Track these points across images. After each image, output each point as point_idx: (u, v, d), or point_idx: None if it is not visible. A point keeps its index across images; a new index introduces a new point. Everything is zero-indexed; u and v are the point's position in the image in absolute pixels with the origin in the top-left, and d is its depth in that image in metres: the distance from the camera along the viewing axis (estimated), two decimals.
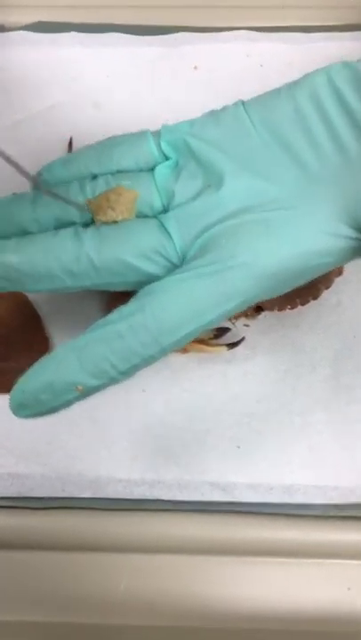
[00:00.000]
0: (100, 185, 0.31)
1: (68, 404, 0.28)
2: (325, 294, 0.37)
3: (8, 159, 0.26)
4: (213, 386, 0.37)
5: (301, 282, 0.29)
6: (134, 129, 0.42)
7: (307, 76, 0.30)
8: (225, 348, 0.36)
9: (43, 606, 0.35)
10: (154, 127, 0.42)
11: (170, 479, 0.36)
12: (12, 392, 0.28)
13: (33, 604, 0.35)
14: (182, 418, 0.37)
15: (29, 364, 0.38)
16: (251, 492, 0.35)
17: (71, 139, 0.40)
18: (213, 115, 0.32)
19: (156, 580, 0.35)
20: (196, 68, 0.43)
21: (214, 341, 0.36)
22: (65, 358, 0.28)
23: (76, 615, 0.35)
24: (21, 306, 0.39)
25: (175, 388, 0.37)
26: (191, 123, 0.32)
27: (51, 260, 0.29)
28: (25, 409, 0.28)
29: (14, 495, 0.36)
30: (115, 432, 0.37)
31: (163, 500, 0.36)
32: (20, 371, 0.38)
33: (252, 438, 0.36)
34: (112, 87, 0.42)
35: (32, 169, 0.41)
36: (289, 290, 0.30)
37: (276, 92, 0.31)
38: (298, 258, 0.28)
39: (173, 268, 0.29)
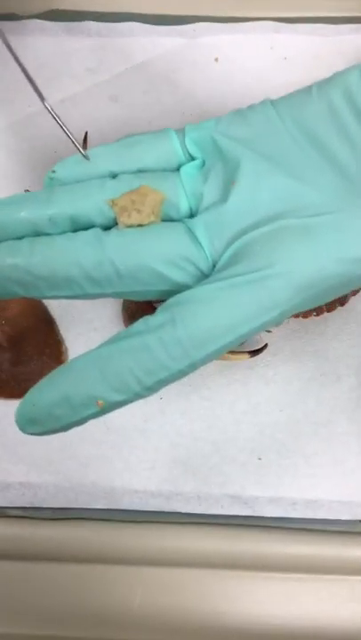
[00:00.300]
0: (123, 184, 0.29)
1: (84, 420, 0.26)
2: (352, 300, 0.36)
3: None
4: (234, 394, 0.36)
5: (345, 291, 0.28)
6: (153, 124, 0.41)
7: (339, 74, 0.29)
8: (247, 356, 0.34)
9: (55, 620, 0.34)
10: (173, 121, 0.41)
11: (188, 491, 0.34)
12: (19, 405, 0.26)
13: (45, 617, 0.34)
14: (201, 427, 0.35)
15: (40, 368, 0.37)
16: (273, 507, 0.34)
17: (87, 133, 0.39)
18: (240, 113, 0.30)
19: (172, 594, 0.34)
20: (216, 60, 0.41)
21: (236, 348, 0.35)
22: (85, 369, 0.25)
23: (89, 630, 0.34)
24: (33, 307, 0.37)
25: (194, 396, 0.36)
26: (217, 120, 0.30)
27: (69, 265, 0.27)
28: (35, 425, 0.26)
29: (26, 505, 0.35)
30: (130, 440, 0.35)
31: (180, 513, 0.34)
32: (31, 375, 0.37)
33: (274, 450, 0.35)
34: (130, 79, 0.41)
35: (45, 163, 0.40)
36: (330, 300, 0.28)
37: (306, 91, 0.29)
38: (341, 266, 0.26)
39: (202, 276, 0.27)
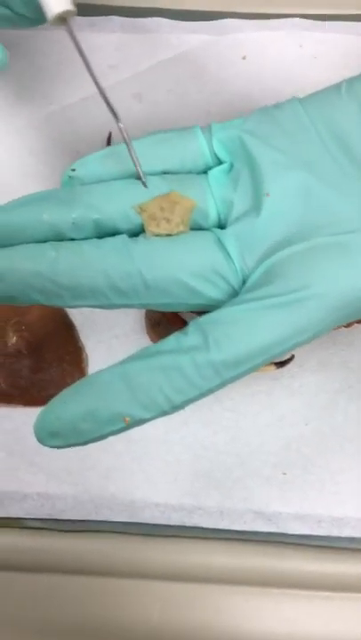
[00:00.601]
0: (150, 188, 0.28)
1: (106, 436, 0.25)
2: None
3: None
4: (258, 405, 0.35)
5: None
6: (178, 123, 0.39)
7: None
8: (273, 367, 0.33)
9: (73, 634, 0.33)
10: (199, 121, 0.39)
11: (210, 506, 0.34)
12: (41, 417, 0.25)
13: (62, 631, 0.33)
14: (224, 439, 0.34)
15: (61, 375, 0.36)
16: (297, 524, 0.33)
17: (110, 134, 0.37)
18: (267, 112, 0.29)
19: (192, 611, 0.33)
20: (244, 58, 0.40)
21: None
22: (112, 384, 0.24)
23: None
24: (53, 313, 0.36)
25: (217, 407, 0.35)
26: (244, 119, 0.29)
27: (96, 274, 0.26)
28: (57, 438, 0.25)
29: (44, 517, 0.34)
30: (151, 452, 0.34)
31: (202, 528, 0.34)
32: (50, 383, 0.37)
33: (299, 465, 0.34)
34: (154, 77, 0.39)
35: (67, 163, 0.39)
36: None
37: (335, 89, 0.28)
38: None
39: (232, 291, 0.26)
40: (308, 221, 0.26)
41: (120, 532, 0.34)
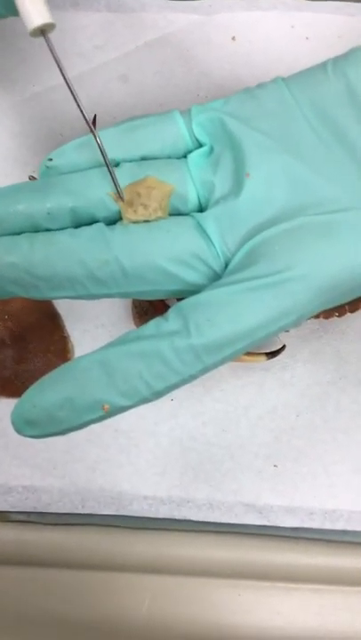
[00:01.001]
0: (125, 174, 0.27)
1: (85, 425, 0.24)
2: None
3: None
4: (249, 397, 0.34)
5: None
6: (165, 106, 0.38)
7: (356, 50, 0.27)
8: (264, 358, 0.33)
9: (59, 628, 0.32)
10: (187, 104, 0.38)
11: (200, 498, 0.33)
12: (17, 406, 0.24)
13: (49, 625, 0.32)
14: (214, 431, 0.34)
15: (45, 366, 0.35)
16: (289, 517, 0.32)
17: (95, 117, 0.36)
18: (250, 93, 0.28)
19: (182, 604, 0.32)
20: (234, 39, 0.38)
21: (252, 349, 0.33)
22: (90, 371, 0.24)
23: (91, 638, 0.32)
24: (37, 302, 0.35)
25: (206, 398, 0.34)
26: (225, 101, 0.28)
27: (72, 264, 0.25)
28: (34, 427, 0.24)
29: (29, 510, 0.33)
30: (140, 444, 0.34)
31: (192, 521, 0.33)
32: (35, 373, 0.36)
33: (290, 457, 0.33)
34: (141, 58, 0.38)
35: (50, 147, 0.38)
36: (350, 300, 0.26)
37: (320, 69, 0.27)
38: None
39: (214, 275, 0.26)
40: (292, 202, 0.26)
41: (107, 526, 0.33)
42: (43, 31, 0.25)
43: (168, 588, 0.33)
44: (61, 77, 0.35)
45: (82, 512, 0.33)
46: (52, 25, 0.25)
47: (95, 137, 0.26)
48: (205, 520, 0.33)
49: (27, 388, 0.34)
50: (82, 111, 0.26)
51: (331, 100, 0.26)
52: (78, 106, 0.26)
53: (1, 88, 0.38)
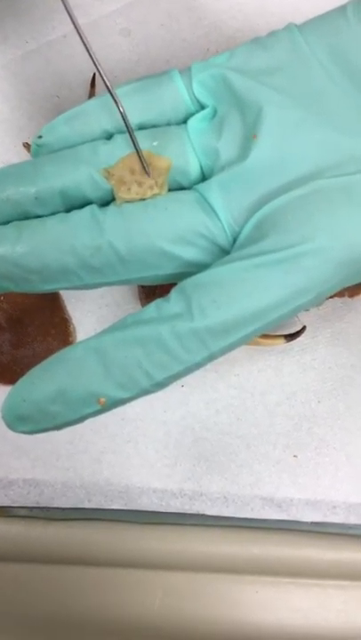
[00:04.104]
0: (119, 147, 0.24)
1: (82, 419, 0.22)
2: None
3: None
4: (266, 382, 0.32)
5: None
6: (171, 63, 0.35)
7: None
8: (282, 340, 0.30)
9: (64, 626, 0.31)
10: (195, 60, 0.35)
11: (214, 492, 0.31)
12: (7, 399, 0.22)
13: (53, 623, 0.31)
14: (228, 420, 0.31)
15: (45, 351, 0.33)
16: (310, 510, 0.30)
17: (94, 75, 0.33)
18: (259, 42, 0.24)
19: (195, 602, 0.31)
20: None
21: (269, 331, 0.30)
22: (84, 361, 0.21)
23: (100, 636, 0.30)
24: None
25: (220, 384, 0.32)
26: (230, 54, 0.25)
27: (63, 253, 0.23)
28: (25, 422, 0.22)
29: (32, 505, 0.31)
30: (149, 434, 0.32)
31: (205, 516, 0.31)
32: (34, 359, 0.33)
33: (311, 446, 0.31)
34: (144, 10, 0.35)
35: (47, 111, 0.34)
36: None
37: (339, 12, 0.24)
38: None
39: (221, 252, 0.23)
40: (307, 165, 0.23)
41: (115, 520, 0.31)
42: None
43: (180, 584, 0.31)
44: (57, 32, 0.32)
45: (87, 507, 0.31)
46: None
47: (111, 94, 0.23)
48: (220, 515, 0.31)
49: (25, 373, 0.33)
50: (95, 62, 0.22)
51: (352, 46, 0.23)
52: (90, 56, 0.22)
53: None
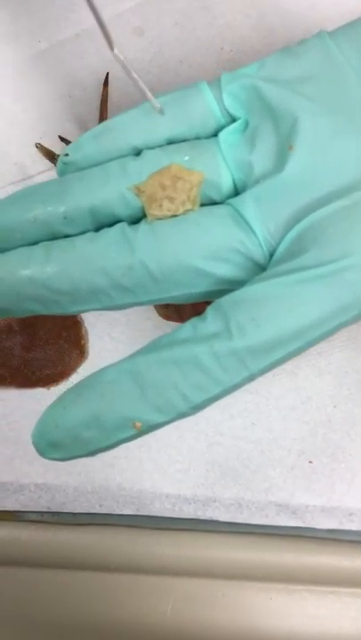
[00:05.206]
0: (148, 163, 0.23)
1: (116, 445, 0.21)
2: None
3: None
4: (281, 386, 0.31)
5: None
6: (185, 62, 0.34)
7: None
8: None
9: (75, 632, 0.30)
10: (210, 60, 0.35)
11: (227, 498, 0.30)
12: (38, 425, 0.21)
13: (64, 629, 0.30)
14: (243, 425, 0.31)
15: (58, 354, 0.33)
16: (325, 518, 0.30)
17: (107, 75, 0.33)
18: (289, 52, 0.24)
19: (207, 608, 0.30)
20: None
21: None
22: (118, 383, 0.21)
23: None
24: None
25: None
26: (260, 64, 0.24)
27: (93, 273, 0.22)
28: (57, 449, 0.21)
29: (43, 510, 0.31)
30: (161, 438, 0.31)
31: (218, 522, 0.30)
32: (46, 362, 0.33)
33: (327, 452, 0.30)
34: (157, 9, 0.34)
35: (59, 110, 0.34)
36: None
37: None
38: None
39: (257, 268, 0.22)
40: (347, 176, 0.22)
41: (127, 526, 0.31)
42: None
43: (193, 591, 0.30)
44: (70, 31, 0.31)
45: (99, 512, 0.31)
46: None
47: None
48: (233, 521, 0.30)
49: (37, 377, 0.32)
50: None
51: None
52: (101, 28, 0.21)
53: (3, 44, 0.34)
